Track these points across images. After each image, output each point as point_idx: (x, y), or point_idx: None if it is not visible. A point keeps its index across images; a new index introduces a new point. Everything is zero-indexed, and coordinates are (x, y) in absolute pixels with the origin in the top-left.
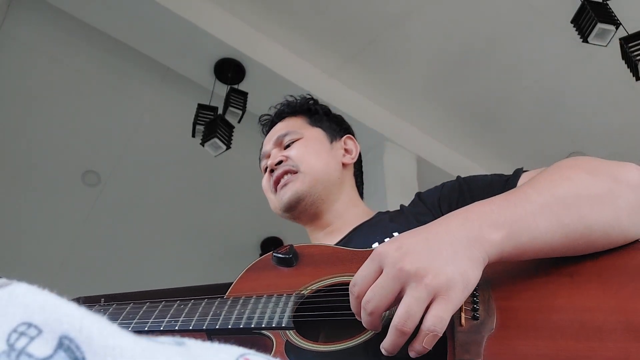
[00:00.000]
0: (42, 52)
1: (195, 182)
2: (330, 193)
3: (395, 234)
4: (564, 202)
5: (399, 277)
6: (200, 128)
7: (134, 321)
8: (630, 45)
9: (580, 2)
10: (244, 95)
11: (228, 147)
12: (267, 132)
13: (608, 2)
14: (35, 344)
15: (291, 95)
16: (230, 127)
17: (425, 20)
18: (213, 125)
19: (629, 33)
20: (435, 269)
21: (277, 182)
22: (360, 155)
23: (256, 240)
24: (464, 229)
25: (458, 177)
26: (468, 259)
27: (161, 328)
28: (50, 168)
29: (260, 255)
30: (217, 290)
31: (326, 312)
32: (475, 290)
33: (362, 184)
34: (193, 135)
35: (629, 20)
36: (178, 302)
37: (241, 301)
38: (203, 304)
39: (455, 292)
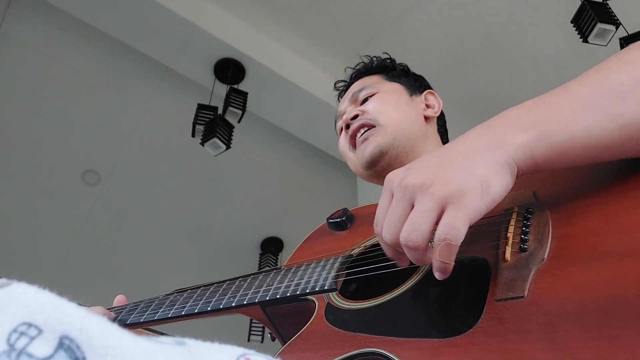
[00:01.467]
0: (42, 52)
1: (195, 182)
2: (414, 146)
3: None
4: (618, 91)
5: (405, 195)
6: (200, 128)
7: (201, 301)
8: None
9: (580, 2)
10: (244, 95)
11: (228, 147)
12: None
13: (608, 2)
14: (35, 344)
15: (367, 56)
16: (230, 127)
17: (425, 19)
18: (213, 125)
19: (629, 33)
20: (443, 178)
21: (353, 138)
22: (443, 112)
23: (256, 240)
24: (484, 137)
25: None
26: (488, 164)
27: (221, 306)
28: (50, 167)
29: (260, 255)
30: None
31: (371, 267)
32: (527, 218)
33: (447, 141)
34: (193, 135)
35: (629, 20)
36: (240, 279)
37: (293, 270)
38: (261, 276)
39: (471, 197)
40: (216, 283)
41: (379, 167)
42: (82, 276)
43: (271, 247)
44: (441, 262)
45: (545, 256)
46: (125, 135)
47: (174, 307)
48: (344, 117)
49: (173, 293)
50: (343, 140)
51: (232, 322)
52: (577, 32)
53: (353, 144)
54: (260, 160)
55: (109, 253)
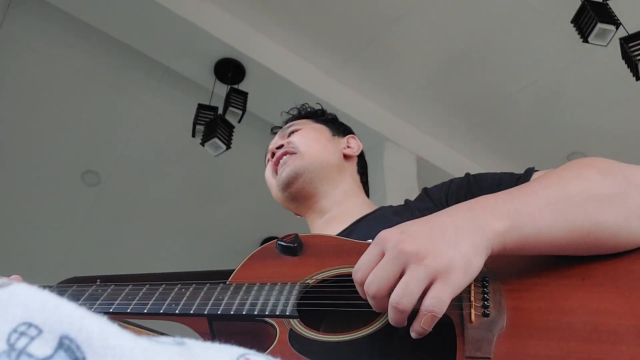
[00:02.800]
0: (42, 52)
1: (195, 182)
2: (328, 177)
3: None
4: (572, 199)
5: (399, 258)
6: (200, 128)
7: (134, 302)
8: (630, 45)
9: (580, 2)
10: (244, 95)
11: (228, 147)
12: None
13: (608, 2)
14: (35, 344)
15: (297, 107)
16: (230, 127)
17: (425, 19)
18: (213, 125)
19: (629, 33)
20: (436, 251)
21: (276, 164)
22: (364, 155)
23: (256, 240)
24: (468, 218)
25: (467, 174)
26: (471, 245)
27: (161, 311)
28: (50, 168)
29: None
30: (217, 277)
31: (332, 302)
32: (485, 286)
33: (367, 183)
34: (193, 135)
35: (629, 20)
36: (179, 285)
37: (244, 288)
38: (205, 288)
39: (456, 274)
40: (148, 284)
41: (293, 189)
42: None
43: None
44: (422, 329)
45: (504, 324)
46: (125, 135)
47: (97, 302)
48: (270, 147)
49: (91, 285)
50: (268, 170)
51: None
52: (577, 32)
53: (275, 171)
54: (260, 160)
55: (108, 253)
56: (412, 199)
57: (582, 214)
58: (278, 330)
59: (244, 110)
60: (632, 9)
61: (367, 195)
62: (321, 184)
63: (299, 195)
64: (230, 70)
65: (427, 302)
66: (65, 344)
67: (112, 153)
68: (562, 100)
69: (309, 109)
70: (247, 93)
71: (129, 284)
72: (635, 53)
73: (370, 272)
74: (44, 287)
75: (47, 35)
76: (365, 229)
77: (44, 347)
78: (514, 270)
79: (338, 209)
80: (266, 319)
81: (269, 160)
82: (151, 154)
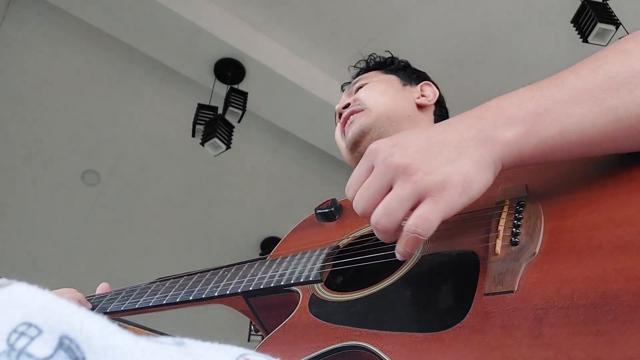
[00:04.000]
0: (42, 52)
1: (195, 182)
2: (400, 129)
3: None
4: (612, 81)
5: (386, 173)
6: (200, 128)
7: (183, 291)
8: None
9: (580, 2)
10: (244, 95)
11: (228, 147)
12: None
13: (608, 2)
14: (35, 344)
15: (371, 55)
16: (230, 127)
17: (424, 19)
18: (213, 125)
19: (629, 33)
20: (429, 166)
21: (344, 124)
22: (443, 102)
23: (256, 240)
24: (474, 129)
25: None
26: (474, 161)
27: (204, 295)
28: (50, 167)
29: (260, 254)
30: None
31: (358, 259)
32: (519, 211)
33: None
34: (193, 135)
35: (629, 20)
36: (223, 269)
37: (278, 260)
38: (245, 267)
39: (450, 193)
40: (199, 272)
41: (362, 148)
42: (82, 276)
43: (271, 247)
44: (405, 251)
45: (537, 250)
46: (125, 135)
47: (156, 296)
48: (337, 106)
49: (155, 281)
50: (338, 132)
51: (231, 322)
52: (577, 32)
53: (343, 132)
54: (260, 160)
55: (108, 253)
56: None
57: (627, 97)
58: (301, 296)
59: (243, 110)
60: (632, 9)
61: None
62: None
63: None
64: (230, 70)
65: (410, 221)
66: (65, 344)
67: (112, 153)
68: None
69: (377, 59)
70: (247, 93)
71: (184, 276)
72: None
73: (357, 188)
74: (121, 289)
75: (46, 35)
76: None
77: (44, 347)
78: (557, 185)
79: None
80: (293, 287)
81: (337, 122)
82: (151, 153)
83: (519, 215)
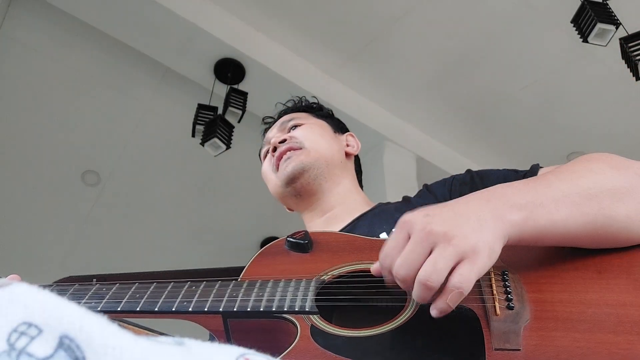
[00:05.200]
0: (42, 52)
1: (195, 182)
2: (333, 174)
3: None
4: (586, 193)
5: (428, 239)
6: (200, 128)
7: (142, 300)
8: (630, 45)
9: (580, 2)
10: (244, 95)
11: (228, 147)
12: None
13: (608, 2)
14: (35, 344)
15: (292, 99)
16: (230, 127)
17: (425, 19)
18: (213, 125)
19: (629, 33)
20: (463, 234)
21: (279, 159)
22: (358, 156)
23: (256, 240)
24: (486, 207)
25: (468, 170)
26: (492, 233)
27: (173, 309)
28: (50, 168)
29: None
30: (223, 274)
31: (351, 297)
32: (505, 279)
33: (361, 183)
34: (193, 135)
35: (629, 20)
36: (189, 283)
37: (258, 284)
38: (217, 285)
39: (481, 257)
40: (156, 281)
41: (298, 184)
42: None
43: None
44: (447, 306)
45: (529, 317)
46: (125, 135)
47: (103, 301)
48: (272, 140)
49: (95, 284)
50: (267, 164)
51: None
52: (577, 32)
53: (277, 166)
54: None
55: (109, 253)
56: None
57: (595, 207)
58: (299, 326)
59: (243, 110)
60: (632, 9)
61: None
62: (325, 181)
63: (302, 191)
64: (230, 70)
65: (454, 279)
66: (65, 344)
67: (112, 153)
68: (562, 100)
69: (305, 103)
70: (247, 93)
71: (135, 282)
72: (635, 53)
73: (397, 256)
74: (42, 286)
75: (47, 35)
76: (366, 227)
77: (44, 346)
78: (530, 262)
79: (340, 207)
80: (285, 315)
81: (266, 155)
82: (151, 154)
83: (506, 282)
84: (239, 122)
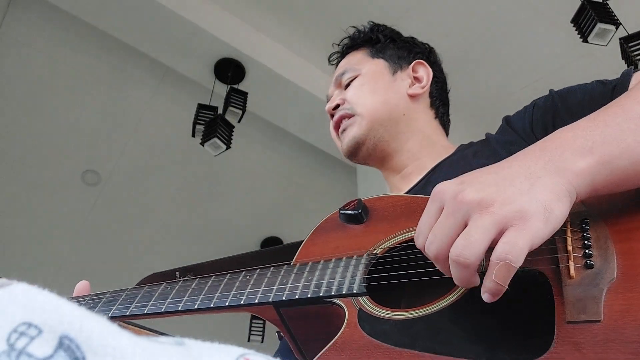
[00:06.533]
0: (42, 52)
1: (195, 182)
2: (396, 132)
3: None
4: None
5: (460, 209)
6: (200, 128)
7: (200, 298)
8: (630, 45)
9: (580, 2)
10: (244, 95)
11: (228, 147)
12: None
13: (608, 2)
14: (35, 344)
15: (354, 27)
16: (230, 127)
17: (424, 19)
18: (213, 125)
19: (629, 33)
20: (505, 199)
21: (337, 127)
22: (440, 79)
23: (256, 240)
24: (541, 160)
25: (550, 90)
26: (550, 191)
27: (227, 303)
28: (50, 168)
29: None
30: (285, 253)
31: (403, 273)
32: (585, 230)
33: (447, 113)
34: (193, 135)
35: (629, 20)
36: (243, 273)
37: (308, 267)
38: (269, 273)
39: (534, 222)
40: (214, 275)
41: (359, 157)
42: (82, 276)
43: (271, 247)
44: (495, 284)
45: (615, 275)
46: (125, 135)
47: (167, 301)
48: (327, 106)
49: (161, 283)
50: (331, 128)
51: (232, 322)
52: (577, 32)
53: (337, 133)
54: (260, 160)
55: (108, 253)
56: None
57: None
58: (346, 311)
59: (243, 110)
60: (632, 9)
61: (447, 130)
62: (388, 144)
63: (368, 160)
64: (230, 70)
65: (498, 249)
66: (65, 344)
67: (112, 153)
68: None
69: (363, 34)
70: (247, 93)
71: (196, 278)
72: (635, 53)
73: (429, 232)
74: (122, 290)
75: (47, 35)
76: (441, 179)
77: (44, 347)
78: (621, 204)
79: (414, 163)
80: (333, 299)
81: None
82: (151, 154)
83: (586, 234)
84: (239, 122)
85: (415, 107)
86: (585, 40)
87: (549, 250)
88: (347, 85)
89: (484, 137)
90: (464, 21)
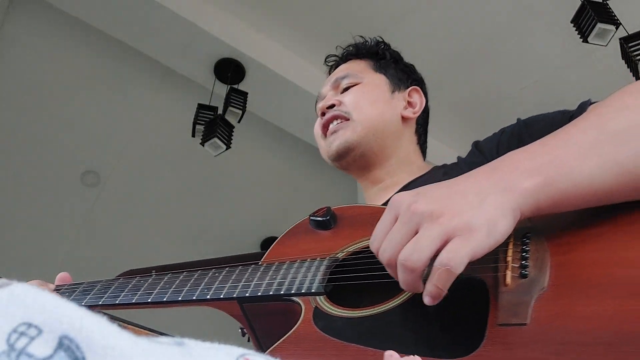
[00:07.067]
0: (42, 52)
1: (195, 182)
2: (384, 146)
3: None
4: (618, 137)
5: (412, 219)
6: (200, 128)
7: (170, 291)
8: (630, 45)
9: (580, 2)
10: (244, 95)
11: (228, 147)
12: (330, 73)
13: (608, 2)
14: (35, 344)
15: (362, 37)
16: (230, 127)
17: (424, 19)
18: (213, 125)
19: (629, 33)
20: (454, 211)
21: (325, 127)
22: (427, 111)
23: (256, 240)
24: (492, 178)
25: (518, 119)
26: (496, 207)
27: (194, 297)
28: (50, 168)
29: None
30: (257, 258)
31: (360, 275)
32: (525, 244)
33: (425, 141)
34: (193, 135)
35: (629, 20)
36: (213, 270)
37: (274, 267)
38: (237, 271)
39: (477, 234)
40: (186, 271)
41: (344, 162)
42: (82, 276)
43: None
44: (436, 288)
45: (546, 284)
46: (125, 135)
47: (139, 293)
48: (322, 104)
49: (132, 276)
50: (317, 125)
51: (232, 322)
52: (577, 32)
53: (325, 133)
54: (260, 160)
55: (108, 253)
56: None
57: (633, 152)
58: (303, 308)
59: (243, 110)
60: (632, 9)
61: (424, 155)
62: (375, 155)
63: (351, 166)
64: (230, 70)
65: (442, 256)
66: (65, 344)
67: (112, 153)
68: (562, 100)
69: (369, 46)
70: (247, 93)
71: (169, 273)
72: (635, 53)
73: (384, 239)
74: (97, 281)
75: (47, 35)
76: None
77: (43, 347)
78: (562, 221)
79: (392, 178)
80: (293, 297)
81: (318, 114)
82: (151, 154)
83: (525, 247)
84: (239, 122)
85: (403, 129)
86: (585, 41)
87: (492, 260)
88: (345, 89)
89: (485, 138)
90: (464, 21)
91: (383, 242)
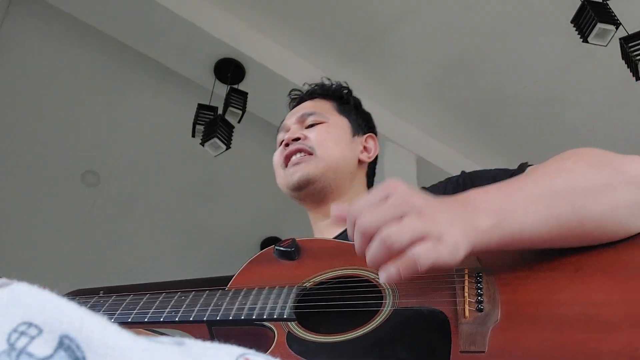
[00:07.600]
0: (42, 52)
1: (195, 182)
2: (340, 185)
3: None
4: (558, 194)
5: (403, 205)
6: (200, 128)
7: (134, 311)
8: (630, 45)
9: (580, 2)
10: (244, 95)
11: (228, 147)
12: (294, 107)
13: (608, 2)
14: (35, 344)
15: (328, 79)
16: (230, 127)
17: (425, 19)
18: (213, 125)
19: (629, 33)
20: (436, 219)
21: (288, 158)
22: (377, 158)
23: (256, 240)
24: (462, 210)
25: (462, 172)
26: (460, 235)
27: (161, 319)
28: (49, 168)
29: None
30: (217, 283)
31: (329, 303)
32: (479, 281)
33: (372, 185)
34: (193, 135)
35: (629, 20)
36: (179, 293)
37: (243, 293)
38: (204, 295)
39: (444, 247)
40: (149, 293)
41: (302, 194)
42: (82, 276)
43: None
44: (397, 271)
45: (498, 318)
46: (125, 135)
47: (101, 311)
48: (287, 135)
49: (93, 296)
50: (278, 155)
51: None
52: (577, 32)
53: (285, 163)
54: (260, 160)
55: (108, 253)
56: None
57: (567, 207)
58: (276, 332)
59: (243, 110)
60: (632, 9)
61: None
62: (331, 191)
63: (307, 198)
64: (230, 70)
65: (415, 249)
66: (65, 344)
67: (112, 153)
68: (562, 100)
69: (334, 88)
70: (247, 93)
71: (130, 294)
72: (635, 53)
73: (368, 209)
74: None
75: (47, 35)
76: None
77: (44, 346)
78: (507, 263)
79: None
80: (264, 322)
81: (281, 142)
82: (151, 154)
83: (479, 284)
84: (239, 122)
85: (358, 171)
86: (585, 41)
87: (451, 294)
88: (310, 126)
89: (484, 136)
90: (464, 21)
91: (366, 212)
